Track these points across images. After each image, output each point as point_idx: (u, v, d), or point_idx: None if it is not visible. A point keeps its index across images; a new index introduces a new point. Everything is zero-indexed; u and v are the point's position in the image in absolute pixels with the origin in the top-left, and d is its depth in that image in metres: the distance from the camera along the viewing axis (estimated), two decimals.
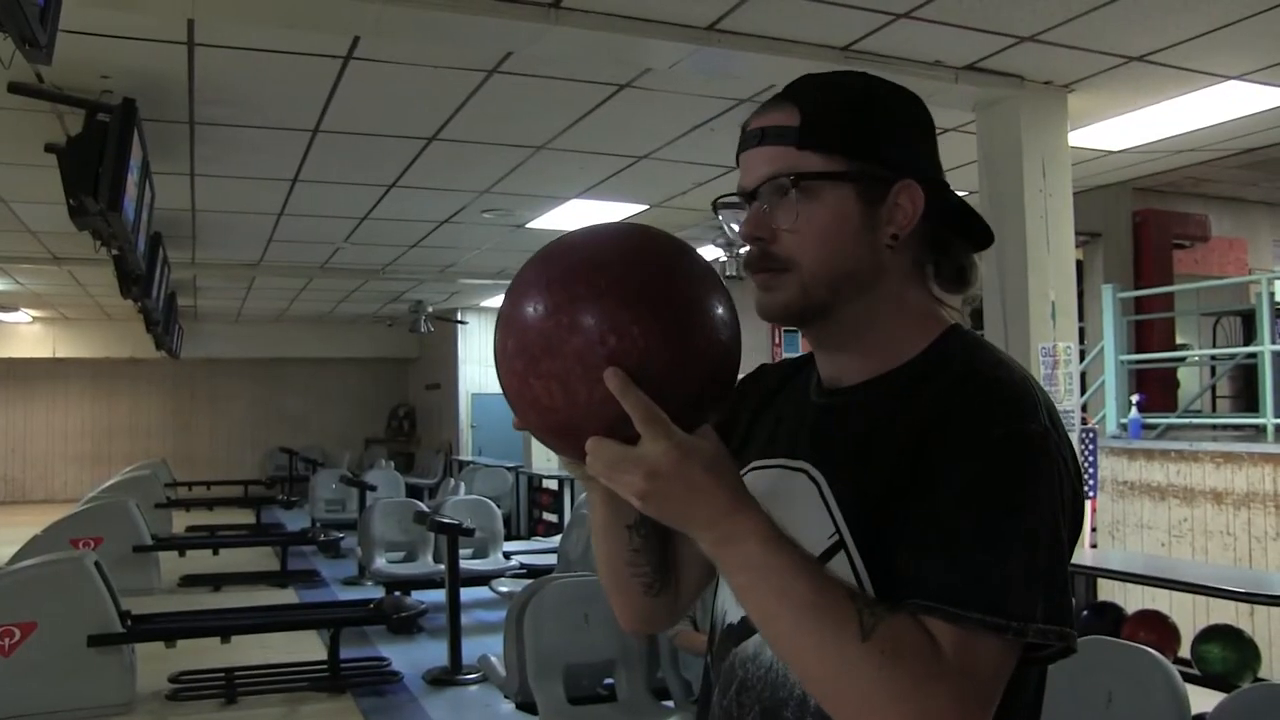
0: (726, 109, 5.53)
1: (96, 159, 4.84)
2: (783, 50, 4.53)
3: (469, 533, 6.69)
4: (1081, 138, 6.03)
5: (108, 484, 12.38)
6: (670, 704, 4.27)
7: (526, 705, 4.25)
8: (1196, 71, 5.04)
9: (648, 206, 7.94)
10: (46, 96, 4.93)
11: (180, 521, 12.74)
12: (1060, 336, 5.17)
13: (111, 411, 18.52)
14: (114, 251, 6.01)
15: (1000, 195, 5.24)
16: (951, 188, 1.22)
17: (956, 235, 1.23)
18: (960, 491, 1.02)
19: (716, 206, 1.31)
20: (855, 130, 1.16)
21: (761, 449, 1.27)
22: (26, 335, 16.30)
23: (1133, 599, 5.87)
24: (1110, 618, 4.42)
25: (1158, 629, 4.27)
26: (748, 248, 1.20)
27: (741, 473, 1.11)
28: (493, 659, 4.61)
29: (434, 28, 4.19)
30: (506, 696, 4.43)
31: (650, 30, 4.32)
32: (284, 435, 18.20)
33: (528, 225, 8.68)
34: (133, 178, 5.21)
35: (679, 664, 4.22)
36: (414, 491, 14.09)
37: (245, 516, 13.49)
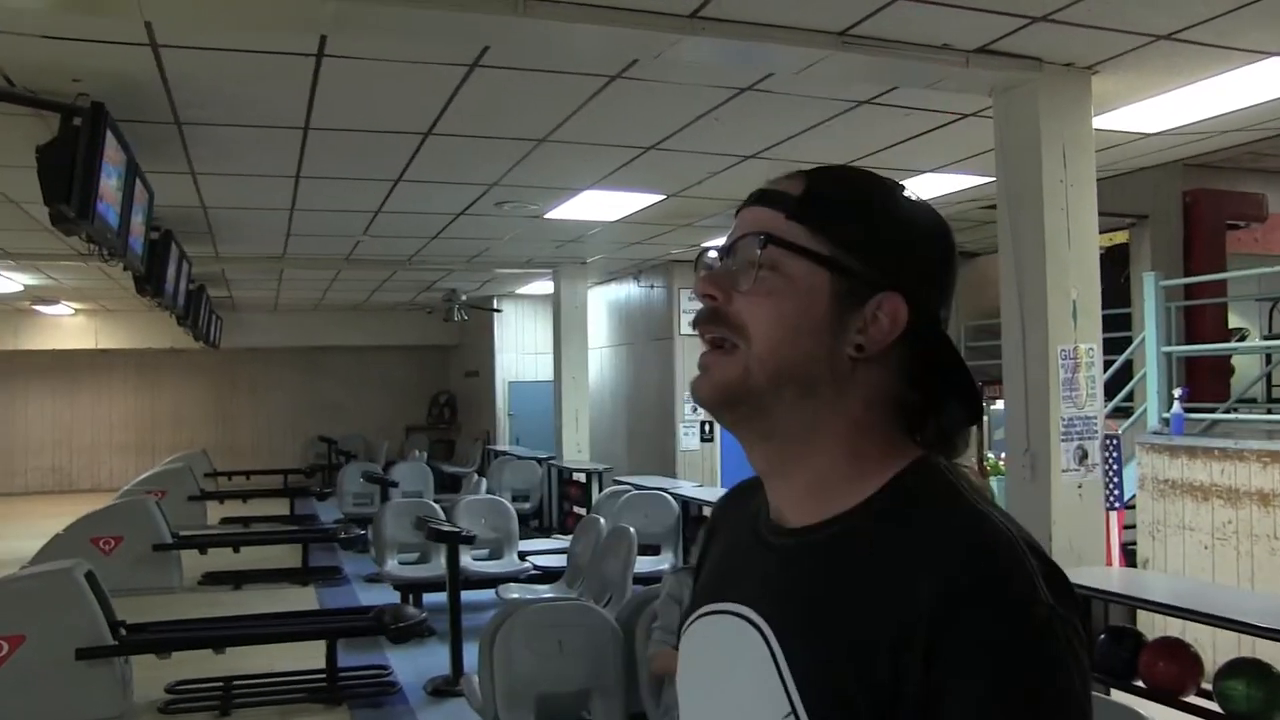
0: (727, 99, 5.25)
1: (69, 165, 4.70)
2: (773, 36, 4.25)
3: (469, 540, 6.52)
4: (1114, 120, 5.67)
5: (143, 476, 12.46)
6: None
7: None
8: (1232, 49, 4.66)
9: (665, 196, 7.70)
10: (18, 100, 4.80)
11: (215, 513, 12.77)
12: (1082, 338, 4.82)
13: (155, 401, 18.69)
14: (105, 254, 5.88)
15: (1018, 186, 4.90)
16: (951, 341, 1.08)
17: (949, 392, 1.07)
18: (975, 712, 0.90)
19: (697, 261, 1.14)
20: (854, 220, 1.06)
21: (709, 590, 1.15)
22: (70, 327, 16.46)
23: (1158, 620, 5.53)
24: (1128, 645, 4.11)
25: (1179, 659, 3.95)
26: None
27: (688, 623, 1.10)
28: (474, 680, 4.42)
29: (399, 23, 3.98)
30: None
31: (631, 19, 4.05)
32: (325, 423, 18.24)
33: (546, 216, 8.48)
34: (111, 182, 5.07)
35: (660, 692, 3.98)
36: (451, 482, 14.05)
37: (280, 508, 13.51)
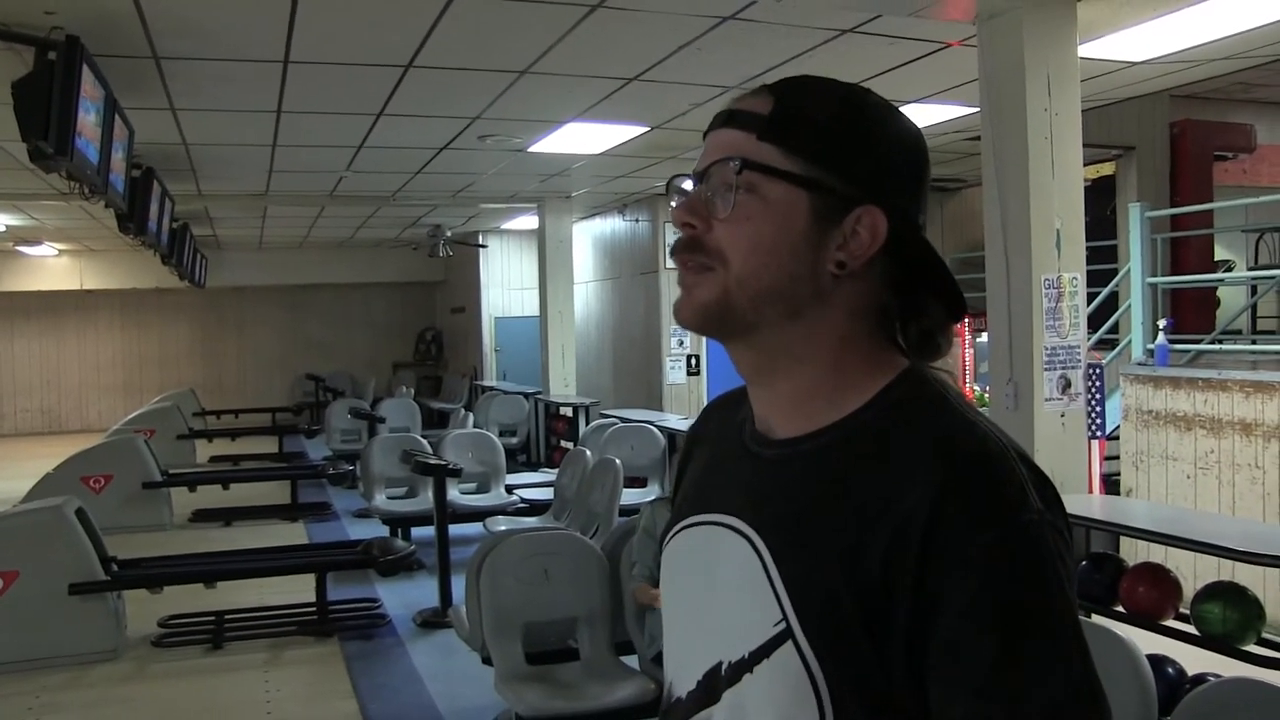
0: (709, 28, 5.18)
1: (46, 101, 4.63)
2: None
3: (455, 473, 6.55)
4: (1100, 49, 5.63)
5: (132, 416, 12.46)
6: (633, 660, 4.11)
7: (491, 660, 4.11)
8: None
9: (649, 128, 7.63)
10: None
11: (204, 451, 12.80)
12: (1066, 267, 4.82)
13: (142, 341, 18.61)
14: (86, 191, 5.83)
15: (1002, 115, 4.87)
16: (929, 242, 1.07)
17: (932, 296, 1.08)
18: (966, 615, 0.91)
19: (669, 187, 1.13)
20: (827, 136, 1.04)
21: (694, 501, 1.15)
22: (54, 268, 16.34)
23: (1140, 546, 5.61)
24: (1109, 570, 4.16)
25: (1159, 584, 3.99)
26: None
27: (671, 534, 1.10)
28: (462, 611, 4.47)
29: None
30: (473, 649, 4.29)
31: None
32: (312, 361, 18.21)
33: (530, 149, 8.42)
34: (89, 118, 5.01)
35: (644, 622, 4.03)
36: (439, 418, 14.09)
37: (269, 445, 13.53)
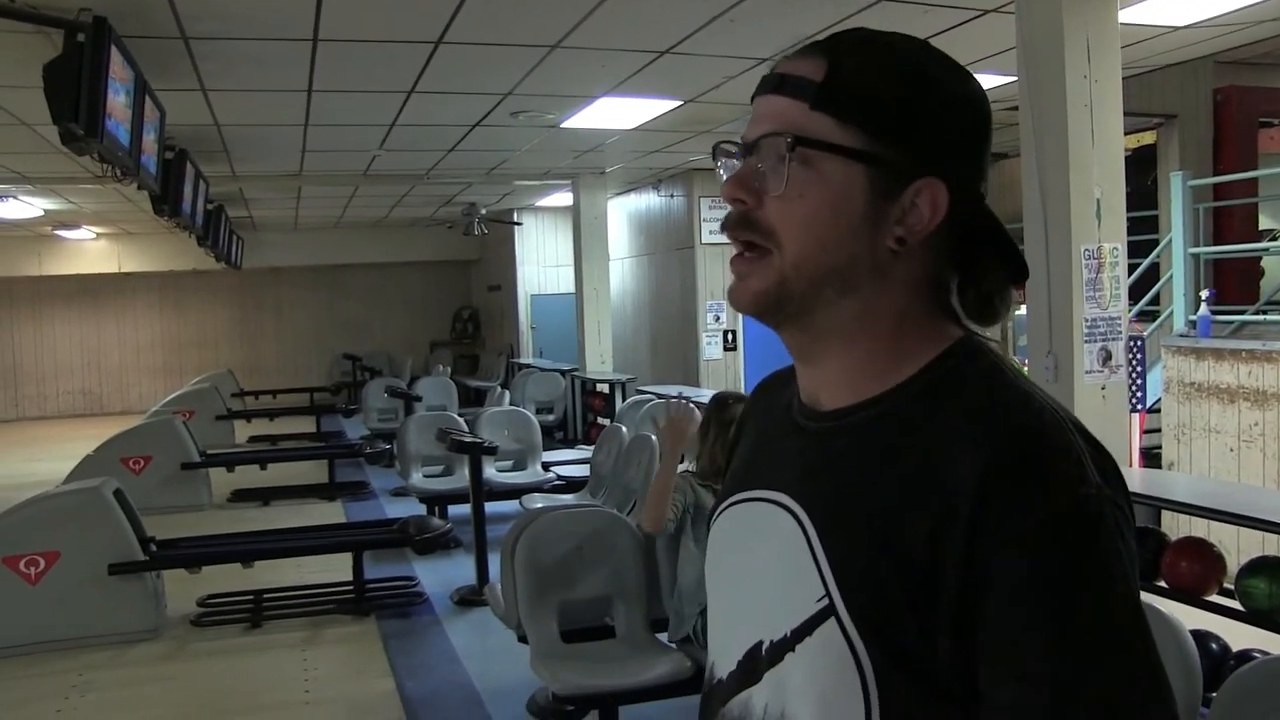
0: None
1: (75, 83, 4.64)
2: None
3: (491, 450, 6.54)
4: (1141, 13, 5.51)
5: (171, 397, 12.58)
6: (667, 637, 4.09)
7: (526, 639, 4.10)
8: None
9: (682, 102, 7.56)
10: (21, 16, 4.71)
11: (243, 432, 12.91)
12: (1106, 237, 4.73)
13: (180, 323, 18.77)
14: (118, 173, 5.85)
15: (1040, 83, 4.77)
16: (993, 214, 1.02)
17: (991, 259, 1.03)
18: (1016, 595, 0.86)
19: (715, 152, 1.07)
20: (885, 105, 0.97)
21: (740, 478, 1.12)
22: (92, 251, 16.50)
23: (1182, 520, 5.51)
24: (1151, 545, 4.08)
25: (1202, 558, 3.91)
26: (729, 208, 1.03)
27: (717, 513, 1.08)
28: (498, 589, 4.46)
29: None
30: (508, 627, 4.28)
31: None
32: (349, 341, 18.32)
33: (562, 125, 8.38)
34: (119, 99, 5.01)
35: (679, 597, 4.01)
36: (476, 396, 14.12)
37: (307, 425, 13.63)
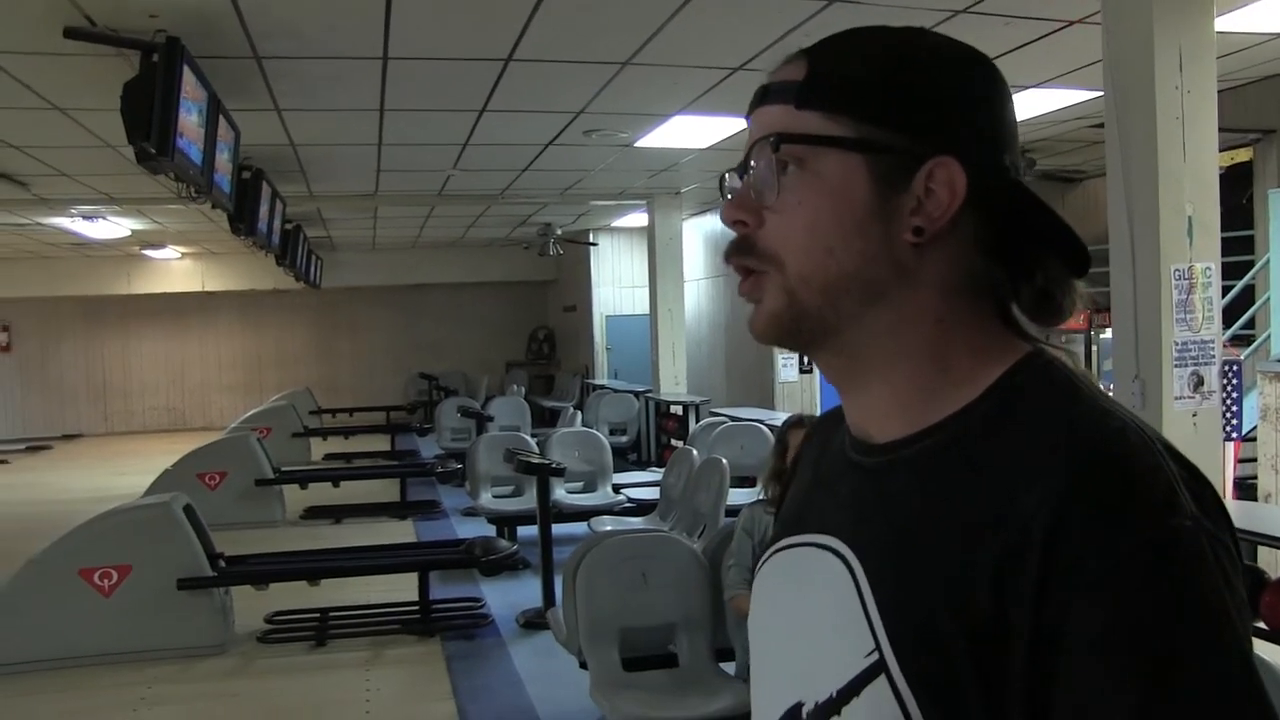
0: (815, 12, 4.99)
1: (149, 103, 4.70)
2: None
3: (559, 472, 6.48)
4: (1239, 20, 5.27)
5: (249, 414, 12.77)
6: (732, 667, 3.96)
7: (587, 665, 4.00)
8: None
9: None
10: (99, 39, 4.80)
11: (319, 449, 13.04)
12: (1198, 257, 4.50)
13: (260, 341, 19.14)
14: (192, 192, 5.91)
15: (1128, 95, 4.57)
16: (1023, 179, 0.90)
17: (1039, 247, 0.91)
18: (1098, 649, 0.72)
19: (721, 189, 0.99)
20: (873, 87, 0.88)
21: (789, 523, 1.02)
22: (177, 270, 16.91)
23: None
24: (1248, 583, 3.85)
25: None
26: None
27: (763, 560, 1.00)
28: (559, 613, 4.37)
29: None
30: (569, 653, 4.19)
31: None
32: (426, 360, 18.46)
33: (636, 144, 8.33)
34: (191, 119, 5.06)
35: (741, 630, 3.88)
36: (549, 416, 14.13)
37: (382, 443, 13.73)
